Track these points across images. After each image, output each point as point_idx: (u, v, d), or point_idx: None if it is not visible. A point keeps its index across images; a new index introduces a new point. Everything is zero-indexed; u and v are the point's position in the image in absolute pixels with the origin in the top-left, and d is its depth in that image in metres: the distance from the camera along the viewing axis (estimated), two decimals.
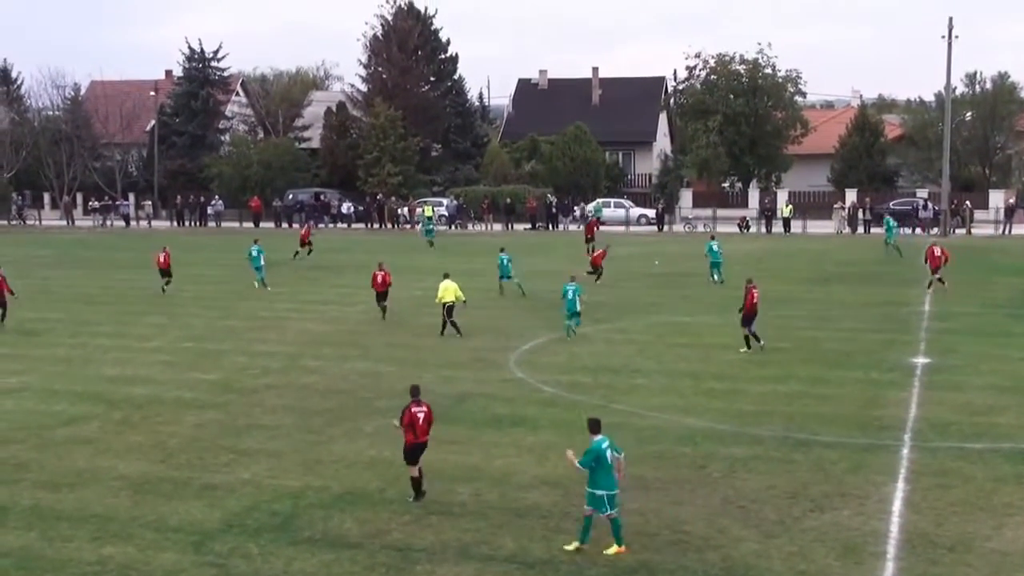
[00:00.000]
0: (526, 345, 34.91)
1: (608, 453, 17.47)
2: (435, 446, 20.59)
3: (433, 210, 78.25)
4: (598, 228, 64.88)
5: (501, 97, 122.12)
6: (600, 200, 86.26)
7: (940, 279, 45.29)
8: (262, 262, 48.87)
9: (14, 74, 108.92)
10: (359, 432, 24.66)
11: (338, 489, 20.63)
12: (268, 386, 29.32)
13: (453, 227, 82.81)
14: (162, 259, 47.85)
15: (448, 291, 36.40)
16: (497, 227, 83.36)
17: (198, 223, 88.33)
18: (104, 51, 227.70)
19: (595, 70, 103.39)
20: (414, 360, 32.54)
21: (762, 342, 33.37)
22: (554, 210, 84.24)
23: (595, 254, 51.02)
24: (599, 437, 17.57)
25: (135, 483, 21.15)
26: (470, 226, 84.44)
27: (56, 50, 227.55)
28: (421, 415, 19.88)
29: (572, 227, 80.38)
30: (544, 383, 29.47)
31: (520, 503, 19.82)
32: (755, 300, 33.42)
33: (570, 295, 36.12)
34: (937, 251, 45.89)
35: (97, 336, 37.30)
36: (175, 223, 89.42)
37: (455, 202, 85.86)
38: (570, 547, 17.48)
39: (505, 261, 45.74)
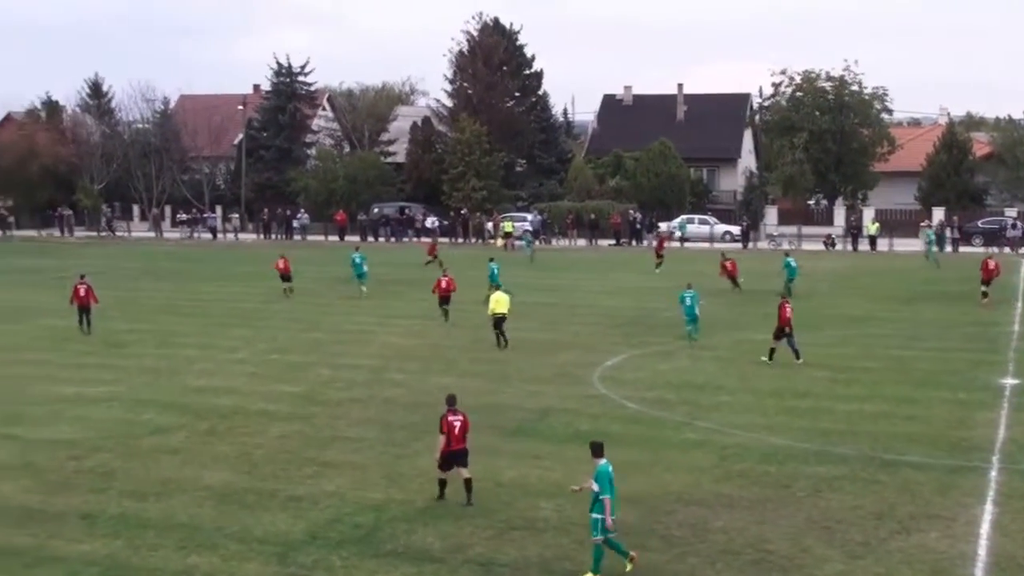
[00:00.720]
0: (610, 361, 34.80)
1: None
2: (518, 460, 20.58)
3: (513, 225, 78.49)
4: (667, 244, 66.25)
5: (586, 113, 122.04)
6: (684, 216, 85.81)
7: (985, 292, 46.47)
8: (365, 268, 50.78)
9: (105, 87, 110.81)
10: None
11: (421, 503, 20.68)
12: (352, 399, 29.50)
13: (538, 242, 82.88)
14: (281, 265, 50.77)
15: (500, 303, 37.29)
16: (581, 242, 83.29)
17: (284, 236, 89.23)
18: (194, 65, 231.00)
19: (680, 86, 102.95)
20: (498, 374, 32.57)
21: (800, 359, 33.44)
22: (638, 226, 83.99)
23: (727, 263, 51.84)
24: (604, 460, 17.58)
25: (220, 493, 21.38)
26: (553, 241, 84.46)
27: (146, 64, 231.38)
28: (457, 424, 20.51)
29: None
30: (628, 399, 29.35)
31: None
32: (788, 315, 33.87)
33: (688, 302, 37.67)
34: (992, 264, 47.05)
35: (184, 347, 37.81)
36: (261, 236, 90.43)
37: (539, 217, 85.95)
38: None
39: (495, 270, 47.51)
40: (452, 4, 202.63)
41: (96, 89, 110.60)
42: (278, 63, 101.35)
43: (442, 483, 20.72)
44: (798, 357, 33.53)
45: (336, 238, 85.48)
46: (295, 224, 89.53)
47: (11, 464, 23.48)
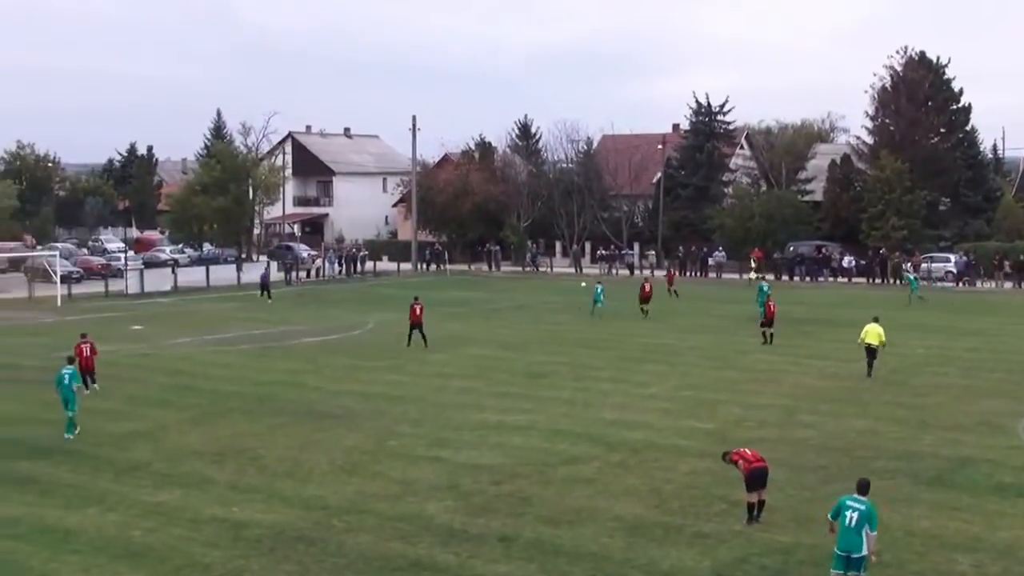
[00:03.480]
0: None
1: (849, 513, 17.47)
2: (935, 511, 19.75)
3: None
4: None
5: (1017, 149, 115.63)
6: None
7: None
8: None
9: (533, 129, 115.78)
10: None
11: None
12: (762, 439, 29.18)
13: (961, 284, 79.16)
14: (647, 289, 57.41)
15: (870, 334, 37.78)
16: (1007, 285, 78.74)
17: (699, 273, 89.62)
18: (616, 106, 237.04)
19: None
20: (915, 420, 31.36)
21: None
22: None
23: None
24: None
25: (630, 525, 21.73)
26: (978, 283, 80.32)
27: (572, 106, 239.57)
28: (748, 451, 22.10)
29: None
30: None
31: None
32: None
33: None
34: None
35: (598, 381, 38.65)
36: (677, 273, 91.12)
37: (963, 258, 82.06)
38: None
39: (599, 290, 57.26)
40: (876, 39, 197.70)
41: (525, 131, 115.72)
42: (698, 102, 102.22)
43: (750, 506, 21.52)
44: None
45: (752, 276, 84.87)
46: (710, 262, 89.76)
47: (437, 485, 24.83)
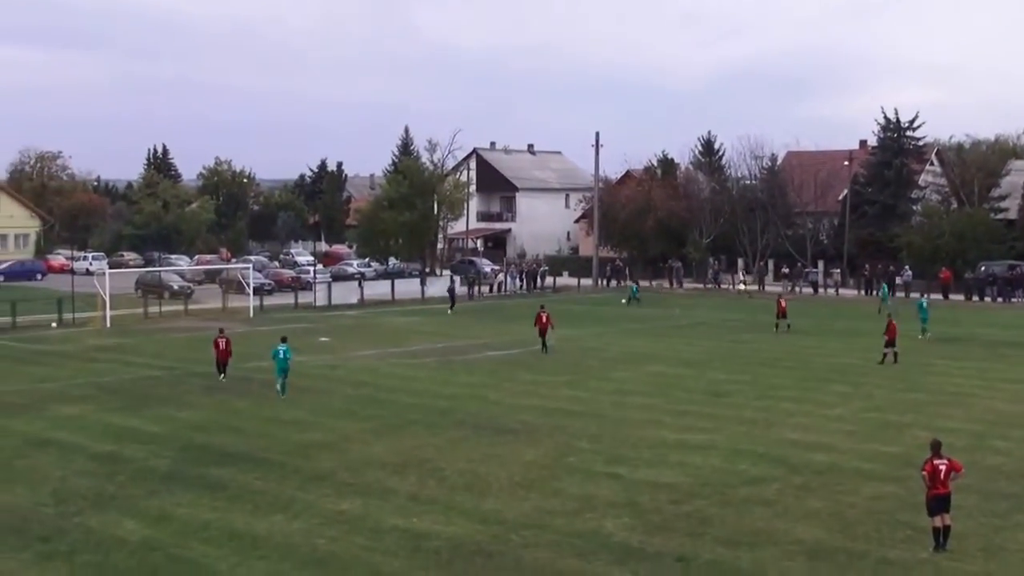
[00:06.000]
0: None
1: None
2: None
3: None
4: None
5: None
6: None
7: None
8: None
9: (717, 145, 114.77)
10: None
11: None
12: None
13: None
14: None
15: None
16: None
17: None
18: (801, 122, 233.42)
19: None
20: None
21: None
22: None
23: None
24: None
25: (811, 549, 21.24)
26: None
27: (755, 121, 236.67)
28: (943, 467, 21.11)
29: None
30: None
31: None
32: None
33: None
34: None
35: (781, 400, 37.98)
36: (862, 292, 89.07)
37: None
38: None
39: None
40: None
41: (708, 147, 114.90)
42: (886, 118, 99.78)
43: (935, 531, 21.04)
44: None
45: (939, 296, 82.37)
46: (898, 281, 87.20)
47: (615, 502, 24.69)
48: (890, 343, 46.28)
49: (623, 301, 77.56)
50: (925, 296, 64.63)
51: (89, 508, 24.38)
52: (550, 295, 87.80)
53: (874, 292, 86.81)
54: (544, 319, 50.01)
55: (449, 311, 70.21)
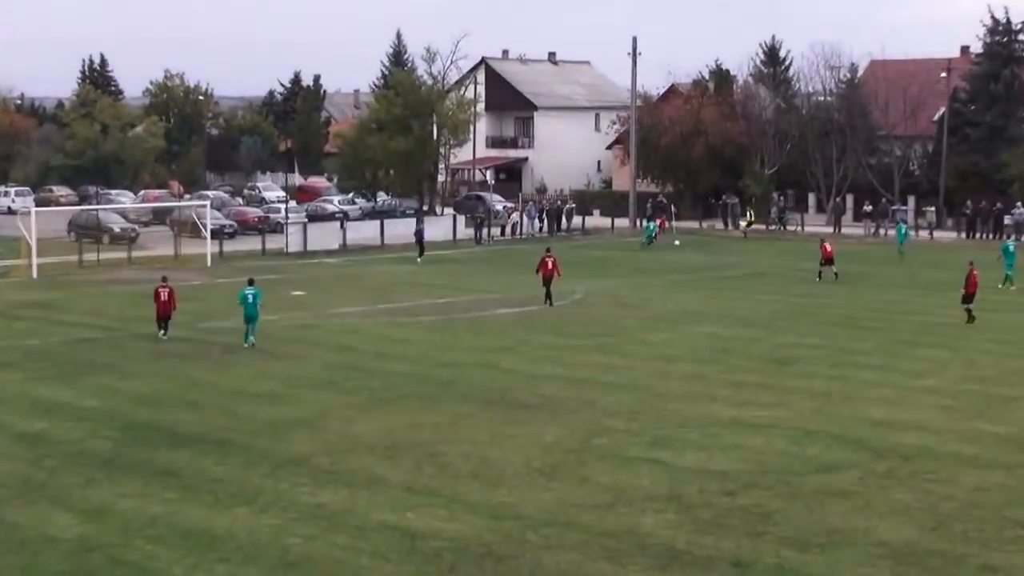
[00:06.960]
0: None
1: None
2: None
3: None
4: None
5: None
6: None
7: None
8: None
9: (783, 53, 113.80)
10: None
11: None
12: None
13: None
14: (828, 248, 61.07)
15: None
16: None
17: (991, 235, 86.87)
18: (890, 25, 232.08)
19: None
20: None
21: None
22: None
23: None
24: None
25: (897, 552, 21.26)
26: None
27: (833, 25, 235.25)
28: None
29: None
30: None
31: None
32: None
33: None
34: None
35: (861, 368, 37.99)
36: (963, 234, 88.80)
37: None
38: None
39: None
40: None
41: (772, 55, 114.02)
42: (993, 18, 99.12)
43: None
44: None
45: None
46: (1007, 220, 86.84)
47: (656, 494, 24.73)
48: (968, 297, 46.39)
49: (642, 241, 78.80)
50: (1012, 239, 64.46)
51: (13, 500, 24.52)
52: (578, 238, 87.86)
53: (978, 235, 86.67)
54: (550, 265, 50.57)
55: (418, 260, 69.90)
